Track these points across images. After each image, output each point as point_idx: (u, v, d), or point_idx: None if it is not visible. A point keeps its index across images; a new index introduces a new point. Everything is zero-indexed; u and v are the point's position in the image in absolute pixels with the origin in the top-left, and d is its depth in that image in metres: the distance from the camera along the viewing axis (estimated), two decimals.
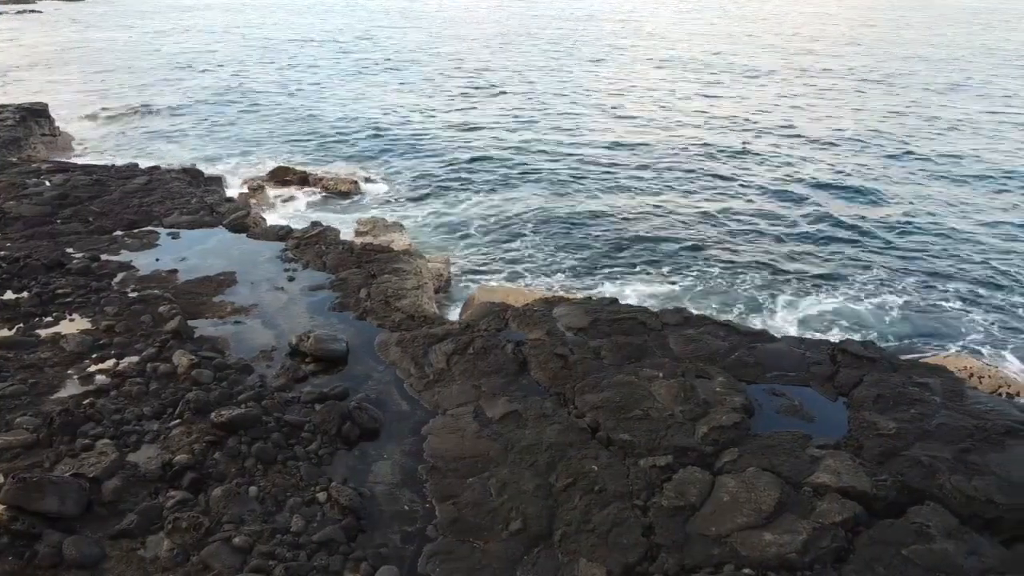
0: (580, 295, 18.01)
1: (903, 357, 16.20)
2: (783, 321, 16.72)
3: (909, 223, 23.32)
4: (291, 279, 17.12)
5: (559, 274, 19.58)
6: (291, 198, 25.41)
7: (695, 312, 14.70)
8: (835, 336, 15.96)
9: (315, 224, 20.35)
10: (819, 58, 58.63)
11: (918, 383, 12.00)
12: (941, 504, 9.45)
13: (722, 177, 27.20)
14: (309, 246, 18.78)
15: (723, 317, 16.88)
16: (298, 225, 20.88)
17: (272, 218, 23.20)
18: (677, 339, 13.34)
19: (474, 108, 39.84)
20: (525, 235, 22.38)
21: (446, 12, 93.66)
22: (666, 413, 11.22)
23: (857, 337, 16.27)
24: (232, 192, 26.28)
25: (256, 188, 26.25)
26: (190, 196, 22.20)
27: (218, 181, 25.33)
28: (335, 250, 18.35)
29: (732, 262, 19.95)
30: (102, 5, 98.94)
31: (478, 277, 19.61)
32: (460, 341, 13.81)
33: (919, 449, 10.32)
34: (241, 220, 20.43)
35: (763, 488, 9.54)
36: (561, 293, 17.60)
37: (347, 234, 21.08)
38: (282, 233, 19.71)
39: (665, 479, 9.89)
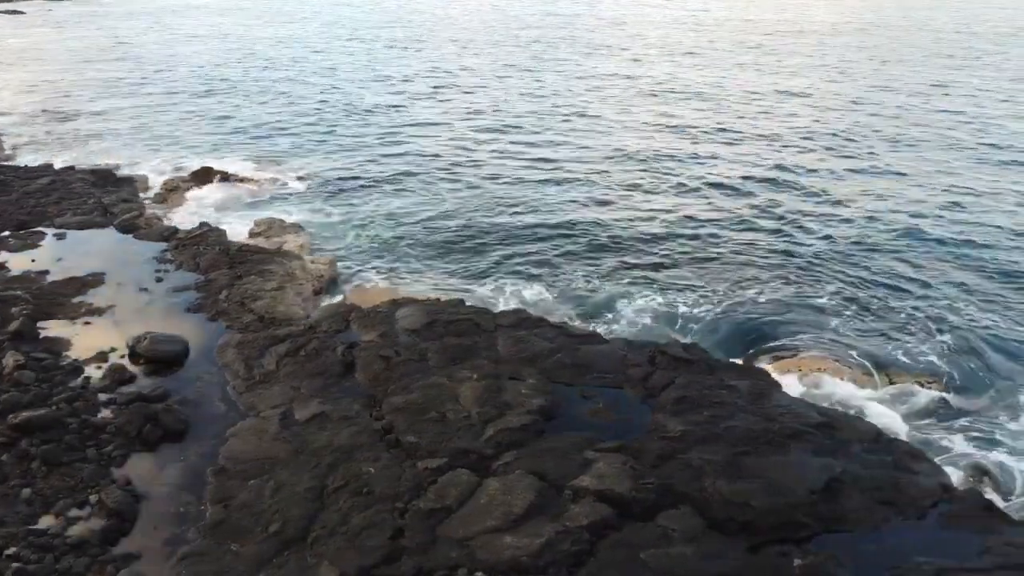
0: (457, 296, 17.99)
1: (766, 356, 16.35)
2: (631, 324, 16.67)
3: (790, 221, 23.25)
4: (159, 280, 17.13)
5: (450, 276, 19.54)
6: (204, 197, 25.42)
7: (533, 314, 14.68)
8: (689, 337, 15.91)
9: (202, 224, 20.39)
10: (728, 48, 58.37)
11: (727, 385, 11.98)
12: (700, 507, 9.44)
13: (629, 185, 27.08)
14: (189, 247, 18.79)
15: (577, 319, 16.86)
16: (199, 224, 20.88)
17: (179, 217, 23.19)
18: (506, 340, 13.34)
19: (416, 111, 39.84)
20: (430, 237, 22.36)
21: (436, 13, 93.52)
22: (462, 415, 11.22)
23: (714, 337, 16.23)
24: (152, 192, 26.29)
25: (173, 188, 26.29)
26: (88, 197, 22.24)
27: (130, 182, 25.36)
28: (212, 251, 18.36)
29: (619, 264, 19.95)
30: (93, 5, 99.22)
31: (371, 278, 19.58)
32: (297, 343, 13.83)
33: (697, 452, 10.31)
34: (132, 221, 20.46)
35: (520, 491, 9.53)
36: (434, 295, 17.57)
37: (242, 234, 21.11)
38: (167, 234, 19.74)
39: (432, 481, 9.89)
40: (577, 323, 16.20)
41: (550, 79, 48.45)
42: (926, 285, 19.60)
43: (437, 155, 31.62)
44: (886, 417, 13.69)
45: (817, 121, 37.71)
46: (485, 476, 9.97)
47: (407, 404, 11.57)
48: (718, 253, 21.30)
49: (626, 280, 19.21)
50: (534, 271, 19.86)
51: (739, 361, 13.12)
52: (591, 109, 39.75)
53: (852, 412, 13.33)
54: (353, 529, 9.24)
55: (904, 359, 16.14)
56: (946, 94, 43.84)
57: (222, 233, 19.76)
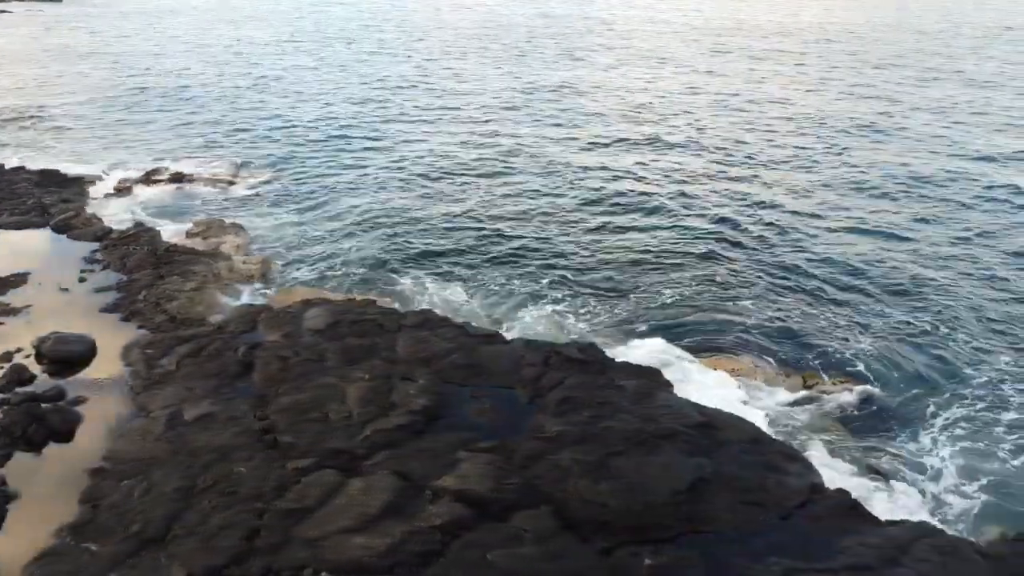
0: (384, 296, 18.03)
1: (684, 355, 16.31)
2: (545, 324, 16.66)
3: (721, 224, 23.36)
4: (82, 280, 17.13)
5: (380, 276, 19.51)
6: (151, 198, 25.37)
7: (440, 315, 14.68)
8: (603, 339, 15.90)
9: (137, 224, 20.41)
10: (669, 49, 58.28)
11: (616, 385, 12.00)
12: (560, 507, 9.46)
13: (563, 191, 26.97)
14: (120, 247, 18.81)
15: (486, 319, 16.86)
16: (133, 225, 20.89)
17: (124, 217, 23.13)
18: (406, 340, 13.35)
19: (384, 115, 39.83)
20: (371, 238, 22.36)
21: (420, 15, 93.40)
22: (344, 415, 11.23)
23: (630, 338, 16.20)
24: (102, 193, 26.26)
25: (123, 188, 26.28)
26: (29, 197, 22.24)
27: (77, 182, 25.37)
28: (141, 252, 18.36)
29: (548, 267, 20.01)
30: (87, 6, 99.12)
31: (304, 277, 19.53)
32: (200, 343, 13.84)
33: (569, 453, 10.32)
34: (67, 221, 20.47)
35: (380, 491, 9.55)
36: (360, 295, 17.60)
37: (180, 234, 21.11)
38: (100, 234, 19.75)
39: (296, 481, 9.90)
40: (486, 323, 16.19)
41: (517, 87, 48.26)
42: (853, 289, 19.60)
43: (397, 160, 31.55)
44: (788, 418, 13.72)
45: (752, 128, 37.60)
46: (352, 476, 9.98)
47: (293, 404, 11.58)
48: (644, 257, 21.29)
49: (546, 281, 19.27)
50: (462, 272, 19.90)
51: (642, 363, 13.08)
52: (552, 119, 39.35)
53: (757, 412, 13.40)
54: (210, 529, 9.25)
55: (820, 361, 16.12)
56: (888, 111, 43.44)
57: (156, 233, 19.78)
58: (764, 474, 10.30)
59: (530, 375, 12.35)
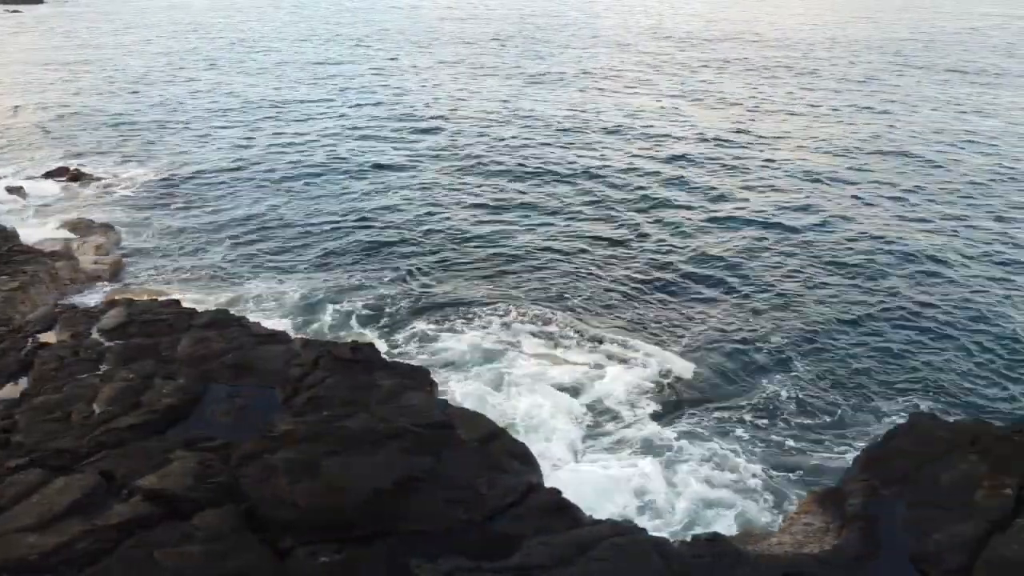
0: (228, 295, 18.12)
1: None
2: (360, 323, 16.87)
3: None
4: None
5: (232, 275, 19.62)
6: (40, 196, 25.45)
7: (232, 315, 14.72)
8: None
9: None
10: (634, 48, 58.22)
11: (375, 385, 12.01)
12: (250, 506, 9.46)
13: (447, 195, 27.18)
14: None
15: (302, 318, 16.99)
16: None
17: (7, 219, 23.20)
18: (189, 340, 13.36)
19: (325, 113, 39.92)
20: (245, 236, 22.47)
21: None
22: (85, 415, 11.24)
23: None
24: None
25: (15, 188, 26.34)
26: None
27: None
28: None
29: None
30: (65, 7, 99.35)
31: (156, 277, 19.55)
32: None
33: (284, 452, 10.31)
34: None
35: (73, 490, 9.54)
36: (202, 295, 17.70)
37: (41, 234, 21.15)
38: None
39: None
40: (288, 323, 16.34)
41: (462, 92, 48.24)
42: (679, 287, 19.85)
43: (316, 161, 31.61)
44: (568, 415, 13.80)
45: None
46: (59, 475, 9.99)
47: (43, 404, 11.58)
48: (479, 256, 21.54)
49: (387, 280, 19.40)
50: (312, 271, 19.99)
51: (413, 362, 13.19)
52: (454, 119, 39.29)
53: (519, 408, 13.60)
54: None
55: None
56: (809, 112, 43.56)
57: (10, 232, 19.79)
58: (482, 474, 10.31)
59: (295, 375, 12.37)
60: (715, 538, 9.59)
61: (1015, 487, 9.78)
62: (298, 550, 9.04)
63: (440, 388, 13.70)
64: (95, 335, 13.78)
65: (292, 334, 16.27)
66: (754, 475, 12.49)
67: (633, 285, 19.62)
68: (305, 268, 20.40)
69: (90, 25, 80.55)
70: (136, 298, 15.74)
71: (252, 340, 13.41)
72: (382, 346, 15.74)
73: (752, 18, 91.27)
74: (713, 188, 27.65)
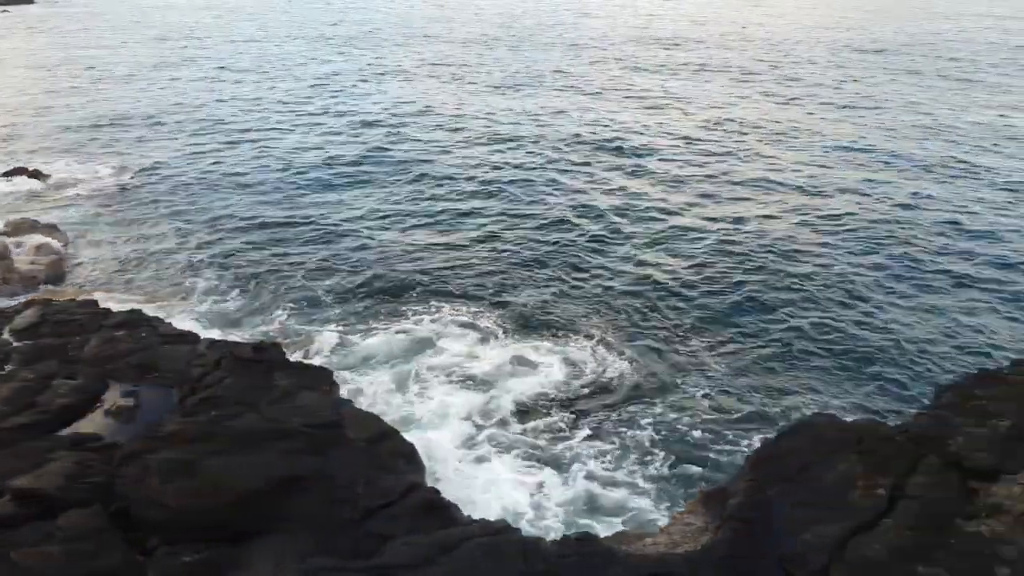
0: (162, 296, 18.15)
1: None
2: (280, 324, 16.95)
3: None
4: None
5: (164, 276, 19.69)
6: None
7: (145, 315, 14.73)
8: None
9: None
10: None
11: (272, 385, 11.98)
12: (121, 506, 9.48)
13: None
14: None
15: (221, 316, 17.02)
16: None
17: None
18: (97, 340, 13.37)
19: (294, 114, 40.00)
20: (197, 239, 22.51)
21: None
22: None
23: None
24: None
25: None
26: None
27: None
28: None
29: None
30: (56, 7, 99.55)
31: (94, 280, 19.58)
32: None
33: (168, 452, 10.29)
34: None
35: None
36: (131, 296, 17.74)
37: None
38: None
39: None
40: (212, 323, 16.37)
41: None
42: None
43: (275, 164, 31.63)
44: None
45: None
46: None
47: None
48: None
49: (328, 280, 19.41)
50: (256, 273, 20.03)
51: (316, 362, 13.22)
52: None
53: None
54: None
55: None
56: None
57: None
58: (364, 474, 10.32)
59: (195, 375, 12.37)
60: (585, 538, 9.59)
61: (889, 487, 9.77)
62: (160, 550, 9.06)
63: (351, 386, 13.74)
64: (5, 335, 13.79)
65: (221, 335, 16.36)
66: (652, 475, 12.49)
67: (565, 286, 19.67)
68: (249, 270, 20.42)
69: (79, 25, 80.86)
70: (56, 299, 15.76)
71: (159, 340, 13.41)
72: (303, 344, 15.81)
73: (745, 19, 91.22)
74: (651, 194, 27.66)
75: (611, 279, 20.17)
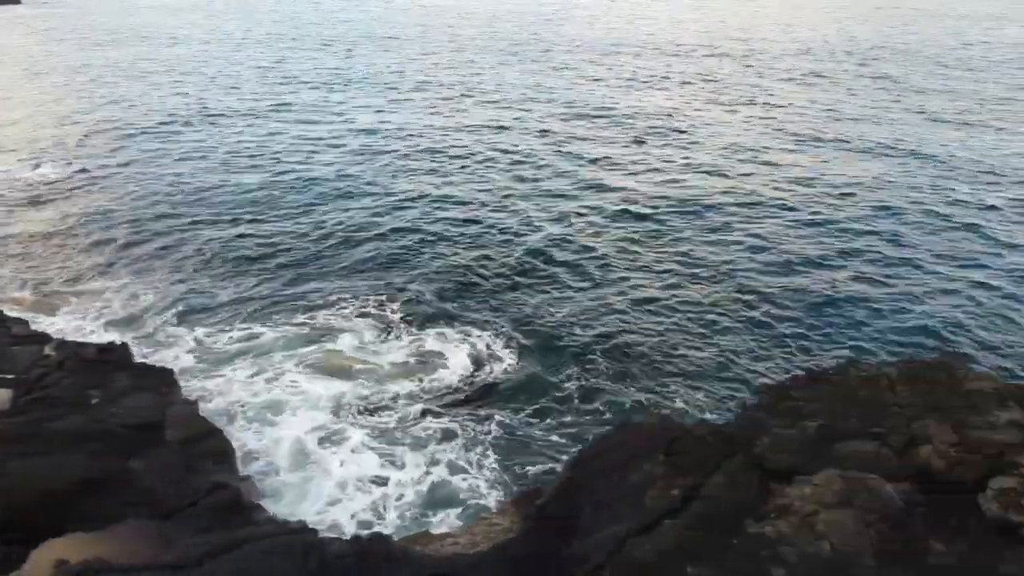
0: (52, 295, 18.26)
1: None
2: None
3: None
4: None
5: (79, 279, 19.73)
6: None
7: (10, 315, 14.78)
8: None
9: None
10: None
11: (108, 386, 12.04)
12: None
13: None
14: None
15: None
16: None
17: None
18: None
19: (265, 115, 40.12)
20: (107, 236, 22.66)
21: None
22: None
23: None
24: None
25: None
26: None
27: None
28: None
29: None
30: (43, 8, 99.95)
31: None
32: None
33: None
34: None
35: None
36: (19, 294, 17.88)
37: None
38: None
39: None
40: (98, 324, 16.52)
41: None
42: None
43: (217, 160, 31.70)
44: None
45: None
46: None
47: None
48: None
49: (234, 277, 19.50)
50: (160, 273, 20.16)
51: (189, 360, 13.31)
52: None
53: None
54: None
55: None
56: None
57: None
58: (173, 474, 10.33)
59: (35, 375, 12.39)
60: (376, 538, 9.56)
61: (685, 488, 9.75)
62: None
63: (218, 381, 13.84)
64: None
65: (111, 336, 16.38)
66: (497, 472, 12.48)
67: (466, 281, 19.79)
68: (155, 270, 20.45)
69: (63, 25, 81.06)
70: None
71: (9, 341, 13.43)
72: (188, 343, 15.95)
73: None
74: (560, 190, 27.79)
75: (511, 274, 20.18)
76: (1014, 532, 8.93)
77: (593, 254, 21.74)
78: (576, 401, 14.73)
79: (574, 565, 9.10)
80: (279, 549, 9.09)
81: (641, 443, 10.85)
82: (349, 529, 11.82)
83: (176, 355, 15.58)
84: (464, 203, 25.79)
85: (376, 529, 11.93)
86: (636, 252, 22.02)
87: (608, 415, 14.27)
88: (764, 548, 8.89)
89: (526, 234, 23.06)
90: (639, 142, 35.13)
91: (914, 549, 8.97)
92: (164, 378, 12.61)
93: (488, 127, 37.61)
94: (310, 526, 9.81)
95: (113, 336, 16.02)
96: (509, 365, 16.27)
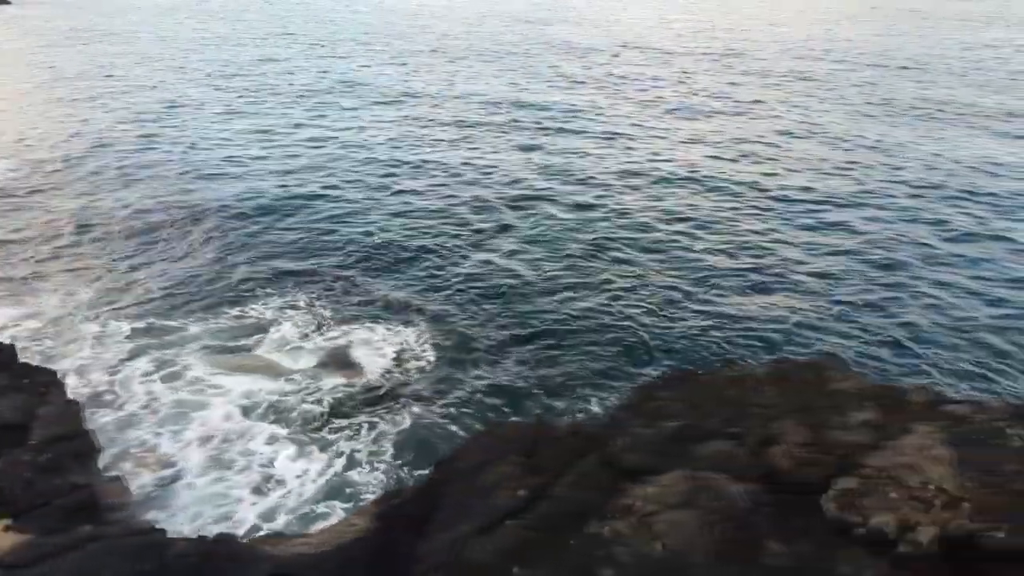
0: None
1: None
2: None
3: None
4: None
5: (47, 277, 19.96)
6: None
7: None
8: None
9: None
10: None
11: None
12: None
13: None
14: None
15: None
16: None
17: None
18: None
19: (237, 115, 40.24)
20: (63, 231, 22.84)
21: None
22: None
23: None
24: None
25: None
26: None
27: None
28: None
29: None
30: (34, 7, 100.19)
31: None
32: None
33: None
34: None
35: None
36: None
37: None
38: None
39: None
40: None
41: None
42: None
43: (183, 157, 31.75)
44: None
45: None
46: None
47: None
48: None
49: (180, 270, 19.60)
50: (115, 266, 20.40)
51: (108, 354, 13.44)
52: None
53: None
54: None
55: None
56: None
57: None
58: (29, 475, 10.34)
59: None
60: (222, 539, 9.57)
61: (534, 488, 9.72)
62: None
63: (119, 378, 13.98)
64: None
65: (28, 338, 16.39)
66: (401, 468, 12.56)
67: (403, 275, 19.87)
68: (95, 266, 20.53)
69: (51, 25, 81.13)
70: None
71: None
72: (91, 340, 16.04)
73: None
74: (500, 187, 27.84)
75: (451, 268, 20.22)
76: (849, 532, 8.88)
77: (535, 256, 21.74)
78: (486, 399, 14.69)
79: (415, 564, 9.09)
80: (117, 550, 9.09)
81: (506, 444, 10.82)
82: (241, 530, 11.82)
83: (81, 352, 15.59)
84: (415, 193, 25.83)
85: (266, 528, 11.98)
86: (581, 264, 21.95)
87: (513, 415, 14.26)
88: (599, 548, 8.85)
89: (474, 236, 23.01)
90: (608, 140, 35.20)
91: (752, 550, 8.93)
92: (47, 378, 12.62)
93: (456, 125, 37.63)
94: (172, 527, 9.82)
95: (24, 335, 16.08)
96: (429, 363, 16.27)
